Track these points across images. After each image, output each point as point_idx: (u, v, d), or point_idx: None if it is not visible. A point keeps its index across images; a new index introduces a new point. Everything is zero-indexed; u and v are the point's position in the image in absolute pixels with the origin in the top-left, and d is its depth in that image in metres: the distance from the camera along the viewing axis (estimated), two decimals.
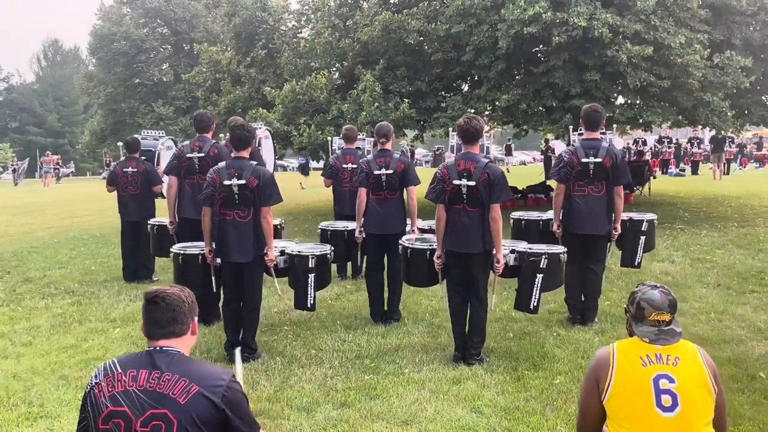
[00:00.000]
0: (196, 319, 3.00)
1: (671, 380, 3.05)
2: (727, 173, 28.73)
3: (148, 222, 9.10)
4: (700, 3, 13.39)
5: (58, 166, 44.90)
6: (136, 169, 9.96)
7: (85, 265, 11.33)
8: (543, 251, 6.59)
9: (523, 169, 40.32)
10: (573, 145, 7.69)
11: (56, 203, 24.04)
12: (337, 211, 9.80)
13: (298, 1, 19.09)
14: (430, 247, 6.67)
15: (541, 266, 6.50)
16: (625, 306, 3.36)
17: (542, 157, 31.49)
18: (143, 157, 10.34)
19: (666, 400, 3.03)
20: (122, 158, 10.31)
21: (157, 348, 2.85)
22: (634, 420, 3.07)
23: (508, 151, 41.94)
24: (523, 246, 6.84)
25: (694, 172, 29.99)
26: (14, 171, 44.32)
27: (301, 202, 20.33)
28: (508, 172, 34.82)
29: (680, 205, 16.19)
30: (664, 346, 3.15)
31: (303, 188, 26.93)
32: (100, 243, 13.53)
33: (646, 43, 12.79)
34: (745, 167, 36.04)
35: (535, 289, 6.52)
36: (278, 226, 8.12)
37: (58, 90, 74.63)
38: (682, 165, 32.29)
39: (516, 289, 6.80)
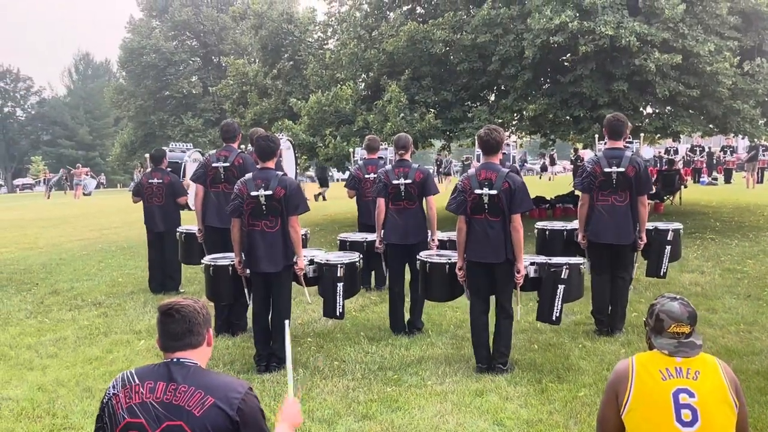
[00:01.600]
0: (211, 330, 2.99)
1: (691, 395, 2.99)
2: (761, 182, 28.29)
3: (177, 230, 9.21)
4: (730, 10, 13.23)
5: (88, 177, 45.09)
6: (161, 181, 10.08)
7: (112, 276, 11.43)
8: (564, 262, 6.55)
9: (554, 178, 40.00)
10: (596, 155, 7.63)
11: (86, 215, 24.30)
12: (361, 221, 9.79)
13: (324, 13, 19.18)
14: (449, 261, 6.64)
15: (562, 277, 6.45)
16: (644, 319, 3.30)
17: (572, 166, 31.21)
18: (169, 169, 10.44)
19: (686, 414, 2.97)
20: (148, 170, 10.42)
21: (174, 360, 2.84)
22: None
23: (552, 161, 41.65)
24: (542, 258, 6.79)
25: (727, 180, 29.57)
26: (46, 183, 44.73)
27: (328, 212, 20.37)
28: (550, 180, 34.76)
29: (711, 215, 15.95)
30: (684, 359, 3.10)
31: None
32: (128, 255, 13.64)
33: (675, 51, 12.65)
34: None
35: (557, 300, 6.47)
36: (303, 236, 8.13)
37: (89, 103, 75.64)
38: (714, 174, 31.83)
39: (537, 300, 6.75)
